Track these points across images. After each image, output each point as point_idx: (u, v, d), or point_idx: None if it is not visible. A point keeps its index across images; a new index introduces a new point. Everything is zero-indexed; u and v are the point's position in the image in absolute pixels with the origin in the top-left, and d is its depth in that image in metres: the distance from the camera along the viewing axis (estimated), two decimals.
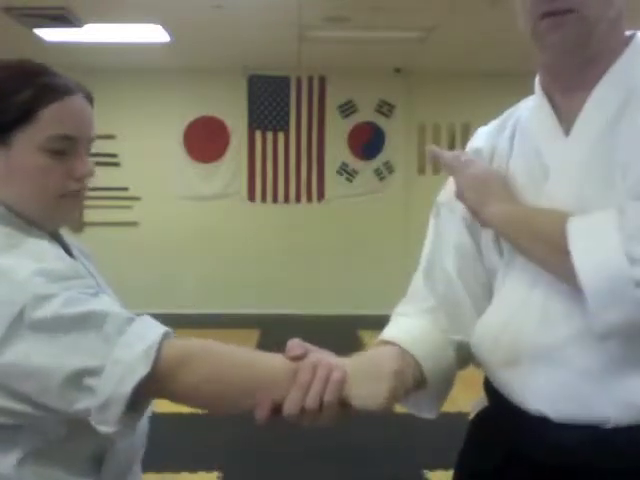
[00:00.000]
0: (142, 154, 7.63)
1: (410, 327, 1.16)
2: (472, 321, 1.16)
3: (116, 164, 7.58)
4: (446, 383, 1.17)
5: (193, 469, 3.33)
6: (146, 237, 7.63)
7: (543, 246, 0.99)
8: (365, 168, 7.86)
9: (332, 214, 7.78)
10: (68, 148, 1.02)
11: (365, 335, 6.60)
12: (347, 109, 7.84)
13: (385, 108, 7.81)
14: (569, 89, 1.07)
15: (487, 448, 1.13)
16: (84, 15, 5.43)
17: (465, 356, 1.17)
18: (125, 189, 7.55)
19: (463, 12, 5.23)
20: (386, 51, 6.78)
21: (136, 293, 7.46)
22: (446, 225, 1.22)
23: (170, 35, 6.16)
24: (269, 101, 7.83)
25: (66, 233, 1.17)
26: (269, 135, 7.88)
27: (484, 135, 1.23)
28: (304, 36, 6.20)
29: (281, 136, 7.88)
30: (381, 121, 7.83)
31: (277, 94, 7.82)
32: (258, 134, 7.87)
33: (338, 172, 7.91)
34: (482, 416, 1.20)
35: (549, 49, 1.05)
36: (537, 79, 1.15)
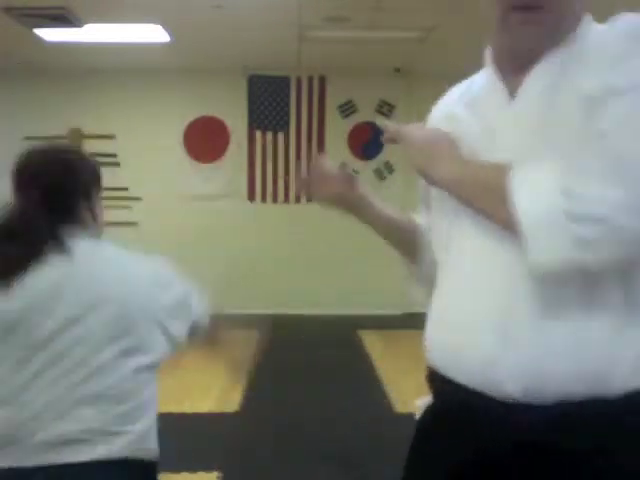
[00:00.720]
0: (142, 154, 7.63)
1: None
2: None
3: (116, 164, 7.58)
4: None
5: (193, 469, 3.33)
6: (146, 237, 7.62)
7: (490, 198, 1.00)
8: (365, 168, 7.86)
9: (332, 214, 7.74)
10: None
11: (365, 335, 6.60)
12: (347, 109, 7.84)
13: (385, 108, 7.81)
14: (518, 64, 1.09)
15: (454, 442, 1.13)
16: (84, 15, 5.43)
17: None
18: (125, 189, 7.55)
19: (463, 12, 5.23)
20: (386, 51, 6.78)
21: None
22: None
23: (170, 35, 6.16)
24: (269, 101, 7.83)
25: None
26: (269, 135, 7.88)
27: (441, 104, 1.33)
28: (304, 36, 6.20)
29: (281, 136, 7.88)
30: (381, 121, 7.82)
31: (277, 94, 7.82)
32: (258, 134, 7.87)
33: None
34: (434, 413, 1.22)
35: (516, 39, 1.08)
36: (488, 51, 1.19)
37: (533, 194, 0.93)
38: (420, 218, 1.39)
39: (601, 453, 0.98)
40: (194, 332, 1.63)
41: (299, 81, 7.80)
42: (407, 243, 1.37)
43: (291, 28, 5.94)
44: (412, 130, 1.22)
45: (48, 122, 7.41)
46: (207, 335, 1.78)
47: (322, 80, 7.79)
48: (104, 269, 1.45)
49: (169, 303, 1.53)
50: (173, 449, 3.63)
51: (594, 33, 1.06)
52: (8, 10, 5.28)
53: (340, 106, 7.83)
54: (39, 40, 6.14)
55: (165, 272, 1.65)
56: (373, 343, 6.26)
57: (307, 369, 5.40)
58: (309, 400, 4.58)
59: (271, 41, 6.34)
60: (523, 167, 0.97)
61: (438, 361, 1.14)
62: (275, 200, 7.91)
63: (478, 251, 1.07)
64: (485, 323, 1.03)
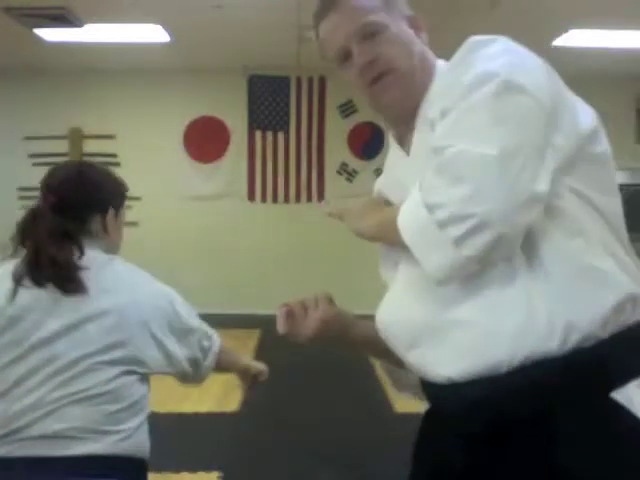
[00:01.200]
0: (142, 154, 7.63)
1: None
2: None
3: (116, 164, 7.58)
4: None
5: (193, 469, 3.33)
6: (146, 237, 7.63)
7: (393, 231, 1.12)
8: (365, 168, 7.86)
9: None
10: None
11: None
12: (347, 109, 7.84)
13: None
14: (406, 125, 1.29)
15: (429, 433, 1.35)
16: (84, 15, 5.43)
17: None
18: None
19: (463, 12, 5.23)
20: None
21: None
22: None
23: (170, 35, 6.16)
24: (269, 101, 7.83)
25: None
26: (269, 135, 7.88)
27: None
28: (304, 36, 6.20)
29: (281, 136, 7.88)
30: (381, 121, 7.82)
31: (277, 94, 7.82)
32: (258, 134, 7.87)
33: (338, 172, 7.91)
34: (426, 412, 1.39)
35: (383, 107, 1.28)
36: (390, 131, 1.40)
37: (406, 216, 1.09)
38: None
39: (545, 418, 1.04)
40: (197, 366, 1.70)
41: (299, 81, 7.80)
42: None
43: (291, 28, 5.94)
44: (348, 208, 1.48)
45: (48, 122, 7.41)
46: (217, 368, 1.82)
47: (322, 80, 7.79)
48: (111, 281, 1.55)
49: (177, 326, 1.61)
50: (173, 449, 3.63)
51: (439, 74, 1.27)
52: (8, 10, 5.28)
53: (340, 106, 7.83)
54: (39, 40, 6.14)
55: (181, 301, 1.73)
56: None
57: (307, 369, 5.40)
58: (309, 400, 4.58)
59: (271, 41, 6.34)
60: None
61: (410, 365, 1.28)
62: (275, 200, 7.91)
63: (407, 274, 1.25)
64: (428, 323, 1.17)
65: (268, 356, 5.88)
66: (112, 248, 1.74)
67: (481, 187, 0.99)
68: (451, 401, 1.14)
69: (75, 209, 1.60)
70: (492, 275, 1.07)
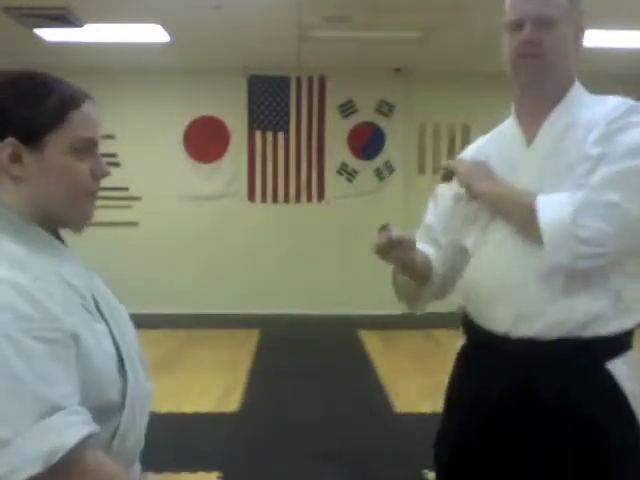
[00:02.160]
0: (142, 154, 7.63)
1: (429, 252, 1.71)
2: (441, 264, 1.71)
3: (116, 164, 7.57)
4: (435, 294, 1.74)
5: (193, 469, 3.33)
6: (146, 237, 7.63)
7: (519, 212, 1.49)
8: (365, 168, 7.86)
9: (332, 214, 7.78)
10: (91, 149, 1.09)
11: (365, 335, 6.60)
12: (347, 109, 7.84)
13: (385, 108, 7.81)
14: (531, 114, 1.56)
15: (479, 375, 1.58)
16: (84, 15, 5.43)
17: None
18: (125, 189, 7.55)
19: (463, 12, 5.23)
20: (386, 51, 6.79)
21: (136, 293, 7.46)
22: (441, 210, 1.74)
23: (170, 35, 6.16)
24: (269, 101, 7.83)
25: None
26: (269, 135, 7.88)
27: (472, 149, 1.74)
28: (304, 36, 6.20)
29: (281, 136, 7.88)
30: (381, 121, 7.83)
31: (277, 94, 7.82)
32: (258, 134, 7.87)
33: (338, 172, 7.91)
34: (462, 350, 1.68)
35: (520, 78, 1.54)
36: (512, 106, 1.63)
37: (553, 217, 1.41)
38: (424, 246, 1.71)
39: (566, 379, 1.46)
40: None
41: (299, 81, 7.80)
42: (423, 272, 1.68)
43: (291, 28, 5.94)
44: (458, 161, 1.70)
45: None
46: None
47: (322, 80, 7.79)
48: None
49: None
50: (173, 449, 3.63)
51: (587, 104, 1.54)
52: (8, 10, 5.28)
53: (340, 106, 7.83)
54: (39, 40, 6.14)
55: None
56: (373, 343, 6.26)
57: (307, 369, 5.40)
58: (309, 400, 4.58)
59: (271, 41, 6.34)
60: (544, 195, 1.45)
61: (472, 311, 1.62)
62: (275, 200, 7.91)
63: (507, 242, 1.53)
64: (510, 289, 1.51)
65: (268, 356, 5.92)
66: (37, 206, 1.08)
67: (621, 232, 1.39)
68: (507, 350, 1.50)
69: None
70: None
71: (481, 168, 1.59)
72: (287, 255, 7.75)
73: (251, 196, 7.91)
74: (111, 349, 1.05)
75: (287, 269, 7.73)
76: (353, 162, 7.89)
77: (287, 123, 7.87)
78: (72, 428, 0.92)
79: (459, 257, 1.65)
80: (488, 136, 1.72)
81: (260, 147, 7.87)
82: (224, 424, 4.16)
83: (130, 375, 1.07)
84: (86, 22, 5.61)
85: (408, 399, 4.58)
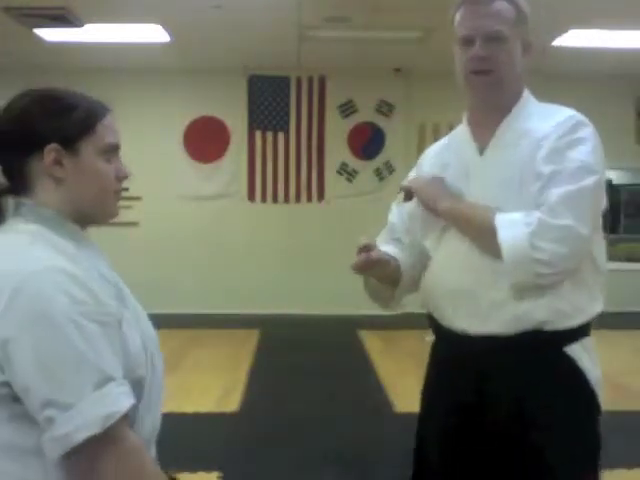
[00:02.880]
0: (142, 154, 7.62)
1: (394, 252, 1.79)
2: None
3: None
4: (406, 291, 1.82)
5: (193, 469, 3.33)
6: (146, 237, 7.63)
7: (477, 231, 1.57)
8: (365, 168, 7.86)
9: (332, 214, 7.78)
10: (115, 153, 1.29)
11: (365, 335, 6.60)
12: (347, 109, 7.84)
13: (385, 108, 7.81)
14: (483, 122, 1.64)
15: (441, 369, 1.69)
16: (84, 15, 5.44)
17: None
18: (125, 189, 7.48)
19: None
20: (386, 51, 6.79)
21: (136, 293, 7.44)
22: (400, 213, 1.84)
23: (170, 35, 6.16)
24: (269, 101, 7.83)
25: None
26: (269, 135, 7.88)
27: (428, 157, 1.81)
28: (304, 36, 6.20)
29: (281, 136, 7.88)
30: (381, 121, 7.83)
31: (277, 94, 7.83)
32: (258, 134, 7.87)
33: (338, 172, 7.91)
34: (432, 348, 1.75)
35: (474, 94, 1.62)
36: (465, 114, 1.71)
37: (512, 238, 1.48)
38: (389, 247, 1.79)
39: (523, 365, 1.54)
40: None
41: (299, 81, 7.81)
42: (395, 276, 1.77)
43: (291, 28, 5.95)
44: (417, 180, 1.76)
45: None
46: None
47: (322, 80, 7.79)
48: None
49: None
50: (173, 449, 3.63)
51: (538, 114, 1.61)
52: (8, 10, 5.28)
53: (340, 106, 7.83)
54: (39, 40, 6.14)
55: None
56: (373, 343, 6.26)
57: (307, 369, 5.40)
58: (309, 400, 4.58)
59: (271, 41, 6.34)
60: (502, 213, 1.52)
61: (432, 310, 1.69)
62: (275, 200, 7.91)
63: (461, 247, 1.60)
64: (465, 291, 1.58)
65: (268, 356, 5.92)
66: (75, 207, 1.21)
67: (575, 252, 1.48)
68: (467, 346, 1.57)
69: None
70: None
71: (439, 185, 1.66)
72: (287, 255, 7.75)
73: (251, 196, 7.91)
74: (137, 336, 1.18)
75: (287, 269, 7.73)
76: (353, 162, 7.89)
77: (287, 123, 7.87)
78: (123, 396, 1.06)
79: (422, 256, 1.73)
80: (443, 142, 1.79)
81: (260, 147, 7.88)
82: (224, 424, 4.16)
83: (149, 362, 1.20)
84: (86, 22, 5.61)
85: (408, 399, 4.58)
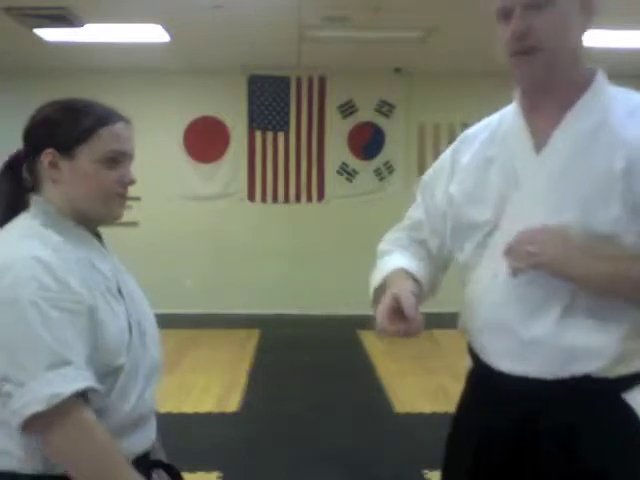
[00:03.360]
0: (142, 154, 7.60)
1: (406, 261, 1.50)
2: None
3: None
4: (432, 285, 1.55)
5: (193, 469, 3.33)
6: (146, 237, 7.63)
7: (631, 288, 1.21)
8: (365, 168, 7.86)
9: (332, 214, 7.77)
10: (120, 160, 1.34)
11: (365, 335, 6.60)
12: (347, 109, 7.84)
13: (385, 108, 7.81)
14: (539, 108, 1.31)
15: (476, 401, 1.43)
16: (84, 15, 5.43)
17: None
18: None
19: (463, 12, 5.23)
20: (386, 51, 6.78)
21: None
22: (429, 204, 1.51)
23: (170, 35, 6.16)
24: (269, 101, 7.83)
25: None
26: (269, 135, 7.88)
27: (470, 142, 1.45)
28: (304, 36, 6.20)
29: (281, 136, 7.88)
30: (381, 121, 7.83)
31: (277, 94, 7.82)
32: (258, 134, 7.87)
33: (338, 172, 7.91)
34: (469, 375, 1.49)
35: (520, 78, 1.31)
36: (515, 93, 1.38)
37: None
38: (409, 258, 1.52)
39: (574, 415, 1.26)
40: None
41: (299, 81, 7.80)
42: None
43: (291, 28, 5.94)
44: (527, 236, 1.27)
45: None
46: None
47: (322, 80, 7.79)
48: None
49: None
50: (173, 449, 3.63)
51: (621, 107, 1.28)
52: (8, 10, 5.28)
53: (340, 106, 7.83)
54: (39, 40, 6.14)
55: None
56: (373, 343, 6.26)
57: (307, 369, 5.40)
58: (309, 400, 4.58)
59: (271, 41, 6.34)
60: None
61: (471, 338, 1.43)
62: (275, 200, 7.91)
63: (509, 285, 1.31)
64: (505, 322, 1.32)
65: (268, 356, 5.91)
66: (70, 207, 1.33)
67: None
68: (500, 383, 1.33)
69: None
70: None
71: (562, 239, 1.23)
72: (287, 255, 7.75)
73: (251, 196, 7.91)
74: (124, 324, 1.28)
75: (287, 269, 7.73)
76: (353, 162, 7.89)
77: (287, 123, 7.87)
78: (75, 380, 1.15)
79: (447, 262, 1.51)
80: (489, 126, 1.45)
81: (260, 147, 7.87)
82: (224, 424, 4.16)
83: (136, 342, 1.30)
84: (86, 22, 5.60)
85: (408, 399, 4.58)
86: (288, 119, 7.86)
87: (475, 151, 1.42)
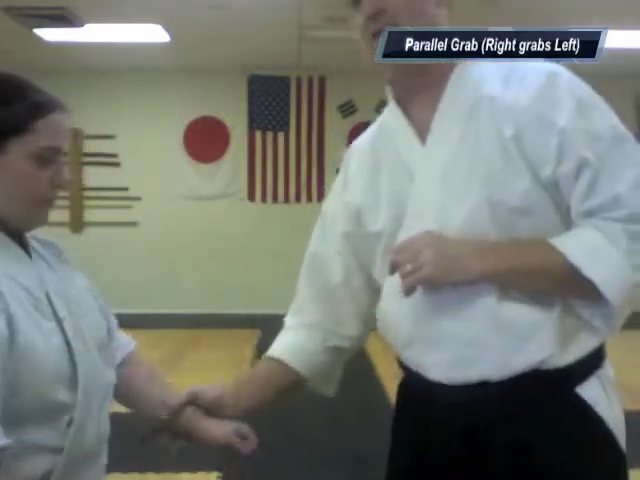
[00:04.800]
0: (142, 154, 7.63)
1: (291, 343, 1.49)
2: (354, 319, 1.43)
3: (116, 164, 7.58)
4: (328, 374, 1.56)
5: (193, 469, 3.32)
6: (146, 237, 7.63)
7: (549, 280, 1.11)
8: None
9: None
10: (53, 158, 1.11)
11: None
12: (347, 109, 7.84)
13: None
14: (413, 98, 1.21)
15: (412, 415, 1.30)
16: (84, 15, 5.43)
17: (347, 349, 1.49)
18: (125, 189, 7.55)
19: (462, 12, 5.23)
20: None
21: (136, 293, 7.46)
22: (330, 237, 1.41)
23: (170, 35, 6.16)
24: (269, 101, 7.83)
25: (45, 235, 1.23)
26: (269, 135, 7.88)
27: (360, 151, 1.39)
28: (304, 36, 6.20)
29: (281, 136, 7.88)
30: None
31: (277, 94, 7.82)
32: (258, 134, 7.87)
33: (338, 172, 7.90)
34: (401, 386, 1.38)
35: (384, 68, 1.20)
36: (387, 88, 1.30)
37: (609, 274, 1.07)
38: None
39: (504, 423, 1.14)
40: None
41: (299, 81, 7.80)
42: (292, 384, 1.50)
43: (291, 28, 5.94)
44: (408, 244, 1.15)
45: None
46: None
47: (322, 80, 7.79)
48: None
49: None
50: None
51: (494, 77, 1.16)
52: (8, 10, 5.28)
53: (340, 106, 7.83)
54: (39, 40, 6.14)
55: None
56: (373, 343, 6.25)
57: None
58: (309, 400, 4.58)
59: (271, 41, 6.34)
60: (563, 243, 1.09)
61: (396, 349, 1.32)
62: (275, 200, 7.91)
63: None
64: (437, 335, 1.19)
65: None
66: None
67: None
68: (439, 396, 1.19)
69: None
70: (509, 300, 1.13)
71: (438, 244, 1.12)
72: (287, 255, 7.72)
73: (251, 196, 7.91)
74: (60, 344, 1.07)
75: (287, 269, 7.68)
76: None
77: (287, 123, 7.87)
78: None
79: (368, 289, 1.36)
80: (373, 132, 1.40)
81: (260, 147, 7.87)
82: None
83: (81, 368, 1.09)
84: (86, 22, 5.61)
85: None
86: (288, 119, 7.86)
87: (360, 162, 1.35)
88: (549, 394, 1.13)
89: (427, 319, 1.17)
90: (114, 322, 1.34)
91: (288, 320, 1.54)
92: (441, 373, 1.17)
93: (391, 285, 1.20)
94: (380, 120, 1.37)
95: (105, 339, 1.21)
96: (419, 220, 1.17)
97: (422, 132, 1.19)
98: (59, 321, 1.09)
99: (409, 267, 1.10)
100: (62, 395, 1.06)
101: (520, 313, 1.11)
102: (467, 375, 1.14)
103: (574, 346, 1.13)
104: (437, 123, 1.18)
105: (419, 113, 1.21)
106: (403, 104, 1.25)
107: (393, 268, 1.14)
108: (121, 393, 1.28)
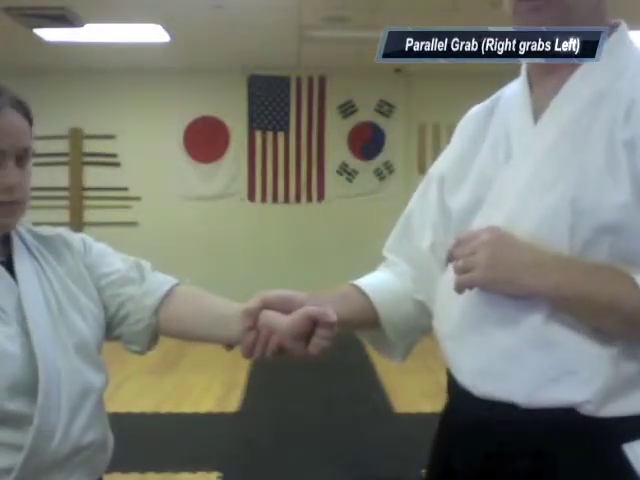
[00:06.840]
0: (142, 154, 7.63)
1: (377, 278, 1.35)
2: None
3: (116, 164, 7.58)
4: (406, 332, 1.33)
5: (193, 469, 3.33)
6: (146, 237, 7.63)
7: (617, 318, 0.95)
8: (365, 168, 7.85)
9: (332, 214, 7.77)
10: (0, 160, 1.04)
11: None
12: (347, 109, 7.83)
13: (385, 108, 7.80)
14: (545, 72, 1.11)
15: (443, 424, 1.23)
16: (84, 15, 5.43)
17: (430, 315, 1.26)
18: (125, 189, 7.55)
19: (463, 12, 5.23)
20: None
21: None
22: (430, 201, 1.26)
23: (170, 35, 6.16)
24: (269, 101, 7.83)
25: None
26: (269, 135, 7.88)
27: (473, 117, 1.26)
28: (304, 36, 6.20)
29: (281, 136, 7.88)
30: (381, 121, 7.82)
31: (277, 94, 7.82)
32: (258, 134, 7.87)
33: (338, 172, 7.91)
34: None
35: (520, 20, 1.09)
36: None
37: None
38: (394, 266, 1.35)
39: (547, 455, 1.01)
40: None
41: (299, 81, 7.80)
42: (365, 319, 1.32)
43: (291, 28, 5.94)
44: (469, 238, 1.04)
45: (48, 122, 7.40)
46: None
47: (322, 80, 7.79)
48: None
49: None
50: (173, 449, 3.63)
51: (630, 69, 1.05)
52: (8, 10, 5.28)
53: (340, 106, 7.82)
54: (39, 40, 6.14)
55: None
56: None
57: (307, 369, 5.39)
58: (309, 400, 4.58)
59: (271, 41, 6.34)
60: None
61: (442, 350, 1.21)
62: (275, 200, 7.91)
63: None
64: (469, 335, 1.10)
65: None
66: None
67: None
68: (464, 405, 1.11)
69: None
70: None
71: (500, 244, 1.00)
72: (287, 255, 7.74)
73: (251, 196, 7.91)
74: (19, 351, 1.04)
75: (287, 269, 7.72)
76: (353, 162, 7.89)
77: (287, 123, 7.87)
78: None
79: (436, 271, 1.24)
80: (491, 102, 1.24)
81: (260, 147, 7.87)
82: (224, 424, 4.16)
83: (43, 372, 1.04)
84: (86, 22, 5.60)
85: (408, 399, 4.58)
86: (288, 119, 7.86)
87: (468, 129, 1.23)
88: (585, 440, 0.98)
89: (471, 317, 1.07)
90: (143, 268, 1.31)
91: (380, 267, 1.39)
92: (469, 379, 1.08)
93: (450, 270, 1.10)
94: (504, 90, 1.23)
95: (87, 340, 1.15)
96: (495, 210, 1.07)
97: (539, 110, 1.09)
98: (24, 326, 1.05)
99: (461, 264, 1.02)
100: (16, 405, 1.02)
101: (568, 340, 0.97)
102: (493, 389, 1.04)
103: (624, 400, 0.96)
104: (556, 102, 1.07)
105: (544, 92, 1.10)
106: (531, 79, 1.14)
107: (448, 259, 1.07)
108: (182, 330, 1.30)
